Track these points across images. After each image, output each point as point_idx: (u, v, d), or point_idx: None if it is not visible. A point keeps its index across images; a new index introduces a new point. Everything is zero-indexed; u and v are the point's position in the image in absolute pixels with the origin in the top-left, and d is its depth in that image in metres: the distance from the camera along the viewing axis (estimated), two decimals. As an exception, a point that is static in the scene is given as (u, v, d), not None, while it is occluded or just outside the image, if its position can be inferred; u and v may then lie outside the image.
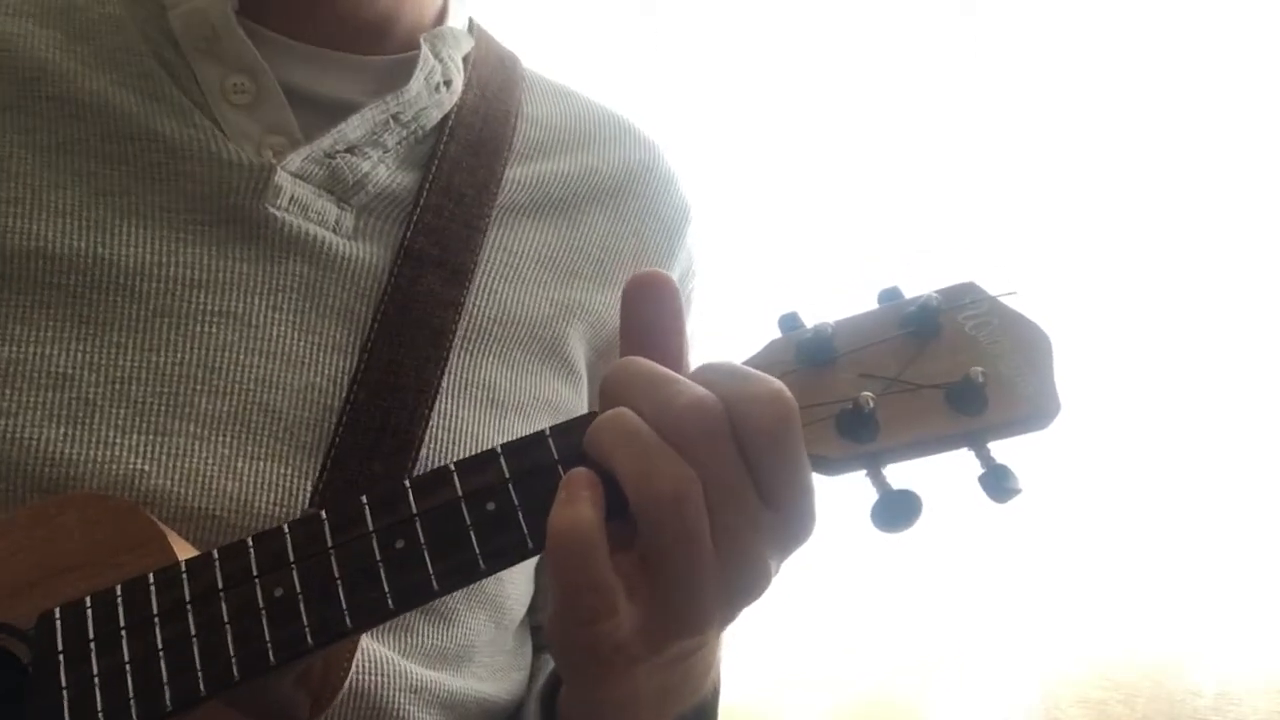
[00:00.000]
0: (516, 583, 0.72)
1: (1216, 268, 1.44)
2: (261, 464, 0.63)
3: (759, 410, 0.49)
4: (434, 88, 0.73)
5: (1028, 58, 1.51)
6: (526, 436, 0.53)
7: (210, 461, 0.62)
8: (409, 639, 0.66)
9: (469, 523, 0.51)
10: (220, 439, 0.63)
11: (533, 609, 0.78)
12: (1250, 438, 1.43)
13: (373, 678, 0.63)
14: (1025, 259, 1.41)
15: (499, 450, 0.53)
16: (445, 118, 0.74)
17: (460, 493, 0.52)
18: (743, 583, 0.50)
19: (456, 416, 0.68)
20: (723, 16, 1.57)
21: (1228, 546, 1.44)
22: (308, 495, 0.63)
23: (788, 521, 0.50)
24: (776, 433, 0.49)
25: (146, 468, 0.61)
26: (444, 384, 0.68)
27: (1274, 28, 1.45)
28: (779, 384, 0.50)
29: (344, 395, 0.65)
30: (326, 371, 0.66)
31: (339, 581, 0.51)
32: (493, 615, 0.70)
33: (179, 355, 0.63)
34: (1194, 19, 1.47)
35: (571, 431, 0.53)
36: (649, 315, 0.55)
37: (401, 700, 0.64)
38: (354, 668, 0.60)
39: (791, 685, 1.45)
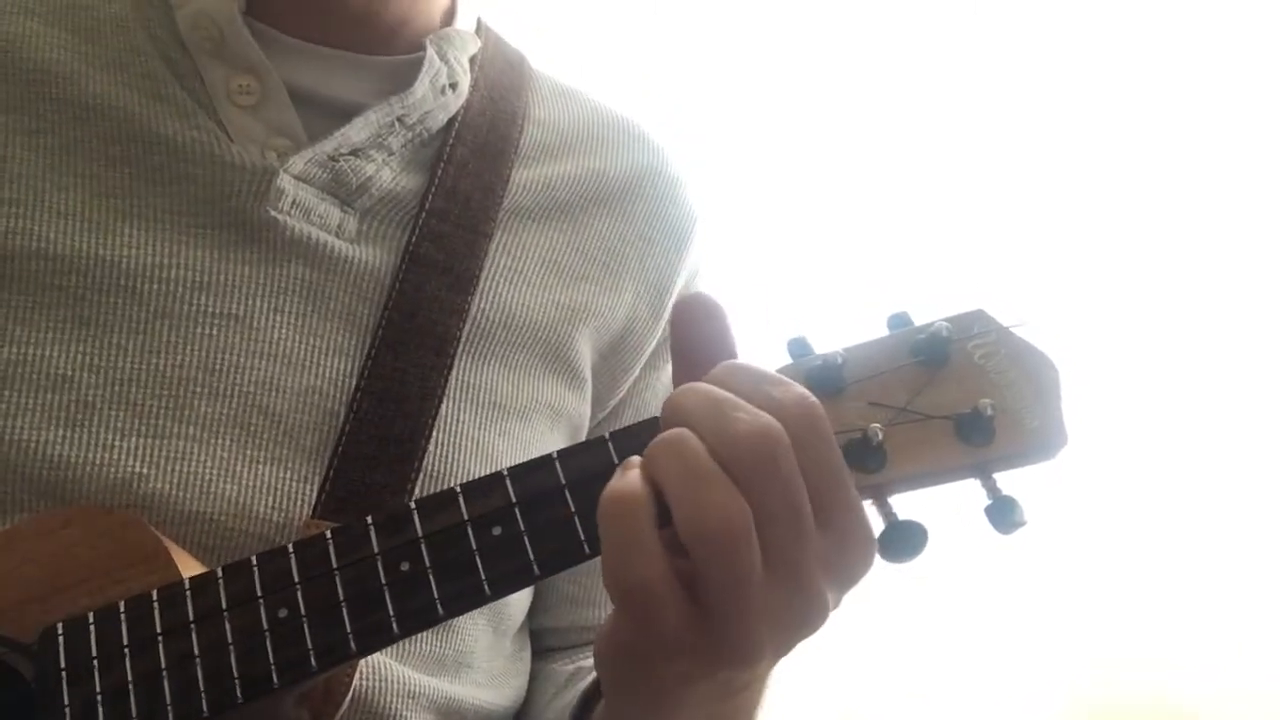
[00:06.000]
0: None
1: (1223, 281, 1.44)
2: (261, 468, 0.63)
3: (813, 434, 0.48)
4: (439, 90, 0.72)
5: (1037, 64, 1.50)
6: (533, 460, 0.53)
7: (209, 465, 0.62)
8: (408, 645, 0.66)
9: (475, 547, 0.51)
10: (220, 442, 0.62)
11: (532, 613, 0.78)
12: (1257, 457, 1.43)
13: (370, 683, 0.64)
14: (1033, 266, 1.40)
15: (505, 473, 0.52)
16: (451, 120, 0.74)
17: (466, 516, 0.51)
18: (798, 613, 0.48)
19: (459, 421, 0.68)
20: (729, 16, 1.56)
21: (1234, 563, 1.44)
22: (309, 500, 0.63)
23: (843, 546, 0.48)
24: (829, 453, 0.48)
25: (145, 471, 0.61)
26: (447, 389, 0.68)
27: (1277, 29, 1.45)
28: (814, 399, 0.49)
29: (346, 399, 0.65)
30: (328, 374, 0.65)
31: (343, 604, 0.51)
32: (491, 621, 0.71)
33: (179, 357, 0.63)
34: (1215, 30, 1.46)
35: (578, 456, 0.53)
36: (699, 338, 0.53)
37: (399, 706, 0.65)
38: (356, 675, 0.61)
39: (797, 708, 1.45)
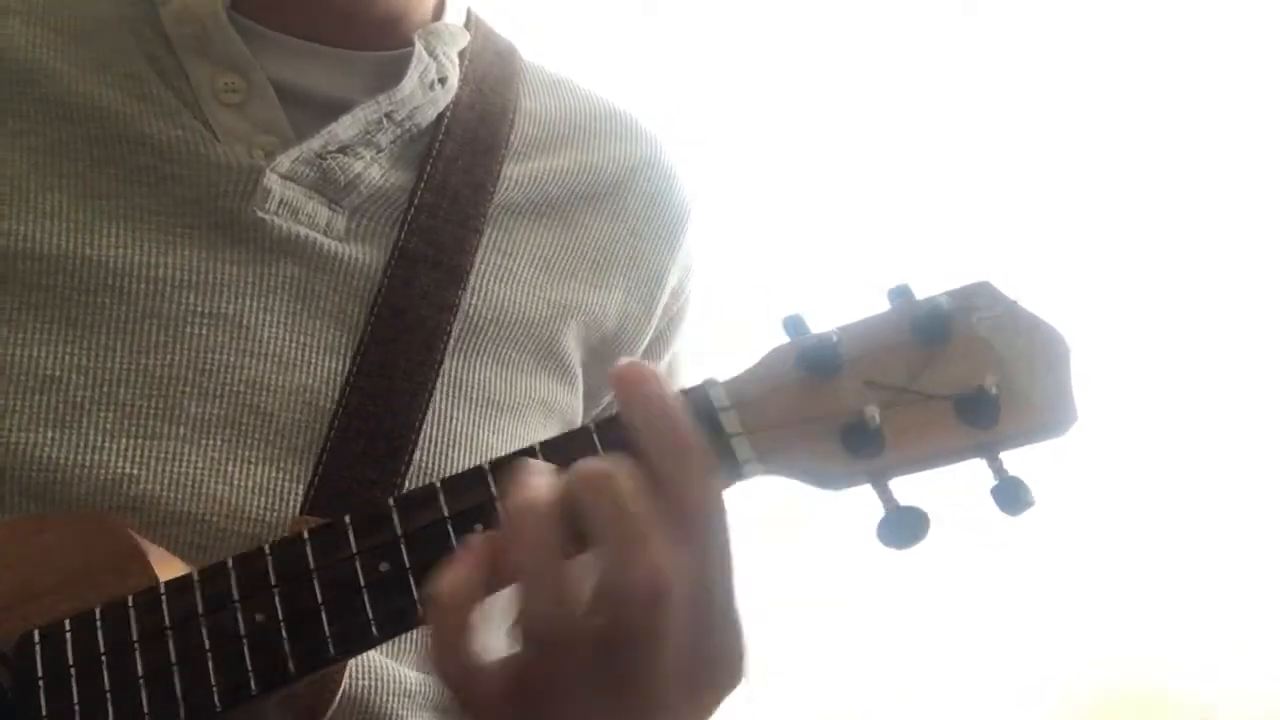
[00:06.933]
0: None
1: (1232, 271, 1.41)
2: (252, 468, 0.62)
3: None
4: (428, 85, 0.71)
5: (1033, 51, 1.46)
6: (515, 452, 0.51)
7: (200, 465, 0.61)
8: (401, 642, 0.64)
9: (455, 546, 0.49)
10: (210, 442, 0.62)
11: None
12: (1257, 449, 1.40)
13: (365, 684, 0.62)
14: (1032, 250, 1.37)
15: (486, 467, 0.51)
16: (441, 115, 0.72)
17: (446, 513, 0.50)
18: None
19: (450, 418, 0.67)
20: (725, 16, 1.53)
21: (1230, 557, 1.42)
22: (299, 499, 0.62)
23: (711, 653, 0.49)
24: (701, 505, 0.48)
25: (135, 472, 0.60)
26: (438, 385, 0.67)
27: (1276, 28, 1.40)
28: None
29: (336, 397, 0.64)
30: (319, 373, 0.64)
31: (321, 607, 0.49)
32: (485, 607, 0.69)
33: (168, 357, 0.62)
34: (1202, 18, 1.41)
35: (561, 446, 0.51)
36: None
37: (394, 705, 0.64)
38: (345, 675, 0.59)
39: (791, 697, 1.45)
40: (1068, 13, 1.44)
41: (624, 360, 0.52)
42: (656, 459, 0.48)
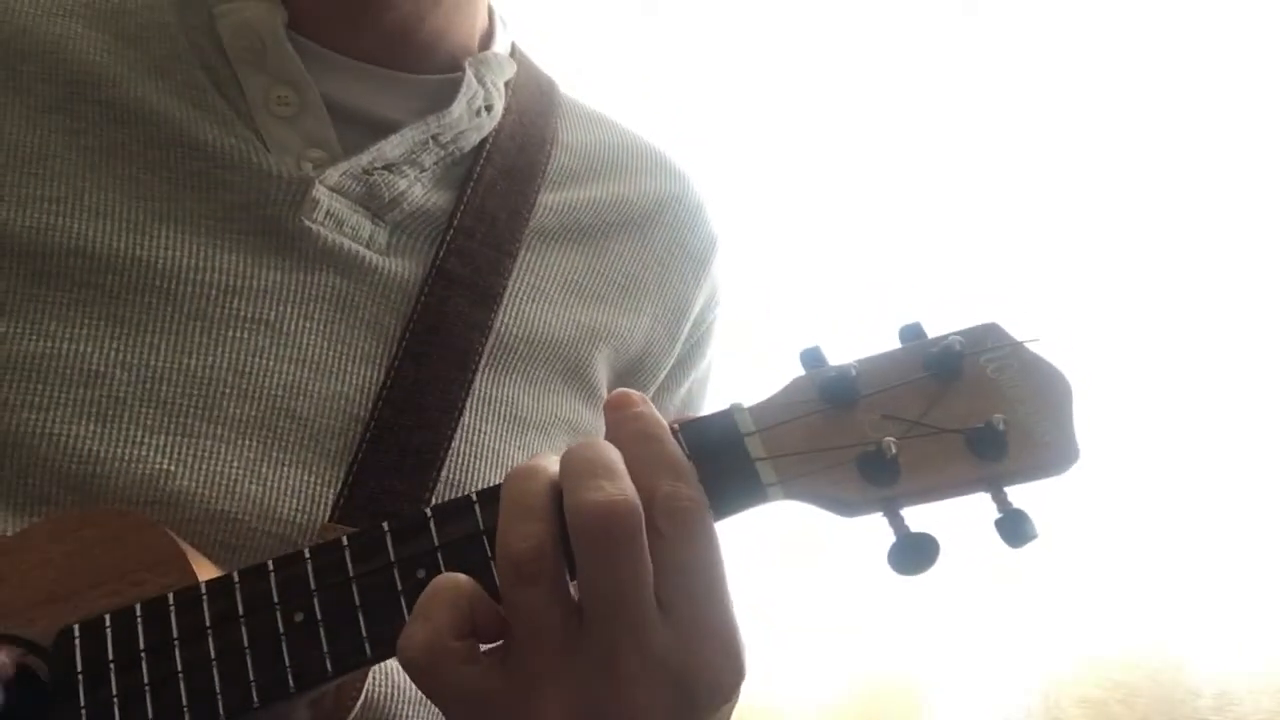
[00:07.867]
0: None
1: (1239, 294, 1.44)
2: (286, 470, 0.63)
3: (669, 524, 0.48)
4: (475, 111, 0.74)
5: (1050, 73, 1.50)
6: None
7: (235, 465, 0.63)
8: None
9: (490, 556, 0.51)
10: (246, 443, 0.63)
11: None
12: (1249, 440, 1.43)
13: (383, 689, 0.64)
14: (1046, 277, 1.40)
15: None
16: (483, 141, 0.75)
17: (482, 526, 0.52)
18: (601, 694, 0.48)
19: (480, 432, 0.69)
20: (725, 16, 1.56)
21: (1228, 546, 1.44)
22: (330, 503, 0.64)
23: (689, 642, 0.48)
24: (683, 549, 0.48)
25: (172, 468, 0.61)
26: (468, 401, 0.69)
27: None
28: (695, 492, 0.49)
29: (370, 405, 0.66)
30: (354, 381, 0.66)
31: (359, 610, 0.51)
32: None
33: (210, 359, 0.64)
34: (1220, 27, 1.45)
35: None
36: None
37: (409, 712, 0.65)
38: (367, 681, 0.61)
39: (790, 680, 1.46)
40: (1097, 33, 1.46)
41: (616, 391, 0.55)
42: (640, 473, 0.49)
